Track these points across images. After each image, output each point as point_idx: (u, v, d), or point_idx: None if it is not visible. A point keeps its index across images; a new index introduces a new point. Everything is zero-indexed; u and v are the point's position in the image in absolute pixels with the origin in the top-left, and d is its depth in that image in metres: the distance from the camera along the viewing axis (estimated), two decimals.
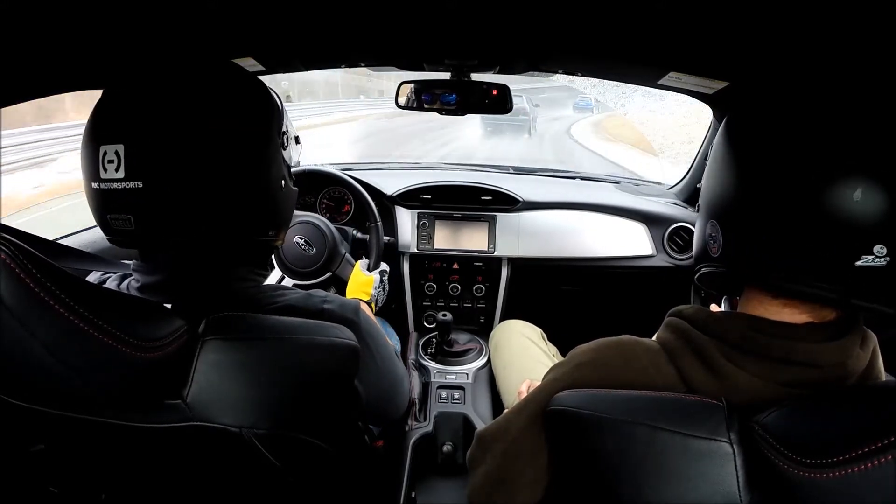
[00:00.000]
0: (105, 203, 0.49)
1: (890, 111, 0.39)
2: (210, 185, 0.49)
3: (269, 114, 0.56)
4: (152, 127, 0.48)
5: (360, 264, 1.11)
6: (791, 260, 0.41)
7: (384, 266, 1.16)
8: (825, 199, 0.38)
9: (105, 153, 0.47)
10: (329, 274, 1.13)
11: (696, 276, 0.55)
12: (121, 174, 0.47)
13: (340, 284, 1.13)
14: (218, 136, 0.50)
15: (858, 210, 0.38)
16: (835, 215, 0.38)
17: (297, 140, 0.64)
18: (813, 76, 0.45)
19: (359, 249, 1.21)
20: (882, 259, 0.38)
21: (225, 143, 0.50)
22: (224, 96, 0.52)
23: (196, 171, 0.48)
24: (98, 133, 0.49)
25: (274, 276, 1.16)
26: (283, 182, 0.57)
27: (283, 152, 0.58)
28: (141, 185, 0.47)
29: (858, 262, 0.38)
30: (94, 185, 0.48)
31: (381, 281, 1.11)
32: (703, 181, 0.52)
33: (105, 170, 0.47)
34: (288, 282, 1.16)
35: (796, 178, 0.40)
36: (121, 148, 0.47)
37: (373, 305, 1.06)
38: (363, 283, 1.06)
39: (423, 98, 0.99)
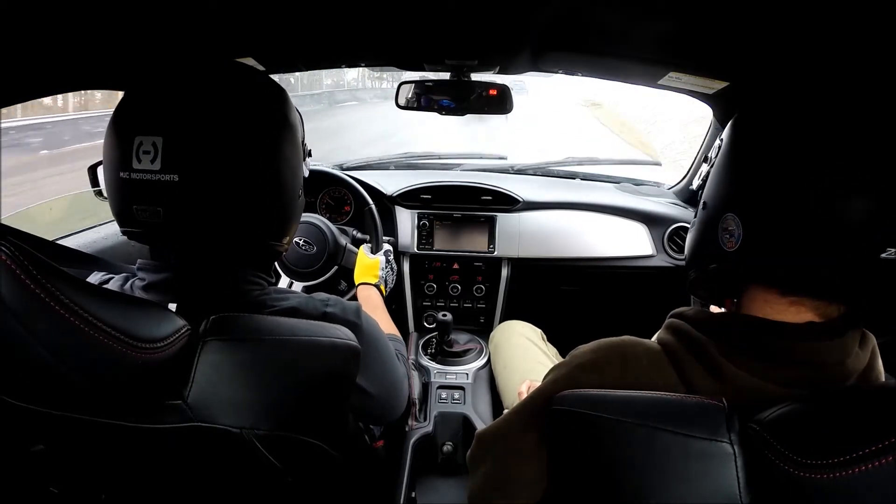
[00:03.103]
0: (134, 193, 0.49)
1: None
2: (244, 187, 0.51)
3: (299, 124, 0.59)
4: (192, 123, 0.48)
5: (364, 248, 1.12)
6: (818, 259, 0.41)
7: (387, 246, 1.16)
8: (852, 198, 0.39)
9: (141, 143, 0.47)
10: (335, 268, 1.14)
11: (690, 280, 0.54)
12: (156, 166, 0.47)
13: (348, 275, 1.14)
14: (258, 140, 0.52)
15: (881, 205, 0.39)
16: (862, 212, 0.39)
17: (309, 153, 0.67)
18: (827, 74, 0.45)
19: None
20: None
21: (262, 148, 0.52)
22: (262, 102, 0.54)
23: (233, 172, 0.50)
24: (134, 123, 0.49)
25: (283, 284, 1.16)
26: (300, 191, 0.60)
27: (304, 163, 0.61)
28: (177, 179, 0.47)
29: (884, 255, 0.39)
30: (124, 174, 0.48)
31: (388, 261, 1.12)
32: (713, 175, 0.51)
33: (139, 160, 0.47)
34: (297, 286, 1.16)
35: (825, 178, 0.40)
36: (159, 140, 0.47)
37: (383, 288, 1.07)
38: (369, 266, 1.07)
39: (423, 98, 0.99)
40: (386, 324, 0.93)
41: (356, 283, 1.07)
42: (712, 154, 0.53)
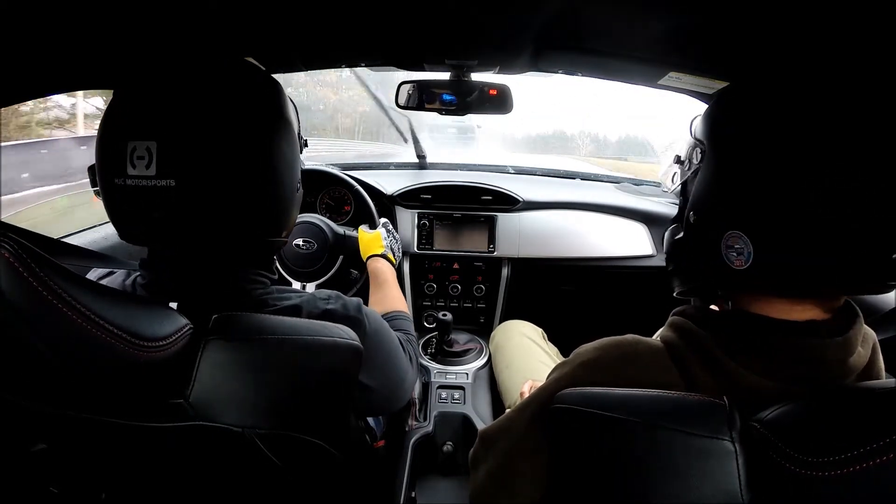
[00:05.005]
0: (130, 199, 0.48)
1: None
2: (242, 187, 0.50)
3: (294, 117, 0.58)
4: (187, 126, 0.48)
5: (362, 228, 1.14)
6: (833, 260, 0.40)
7: (384, 219, 1.19)
8: (865, 198, 0.38)
9: (134, 149, 0.47)
10: (341, 258, 1.16)
11: (678, 291, 0.53)
12: (152, 171, 0.46)
13: (356, 261, 1.15)
14: (252, 138, 0.51)
15: (889, 204, 0.38)
16: (876, 211, 0.38)
17: (305, 143, 0.66)
18: (825, 70, 0.44)
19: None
20: None
21: (257, 146, 0.51)
22: (257, 99, 0.53)
23: (230, 173, 0.49)
24: (126, 128, 0.48)
25: (296, 286, 1.17)
26: (298, 185, 0.60)
27: (300, 156, 0.61)
28: (174, 184, 0.47)
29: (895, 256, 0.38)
30: (119, 181, 0.48)
31: (388, 231, 1.14)
32: (701, 185, 0.48)
33: (134, 166, 0.47)
34: (310, 287, 1.17)
35: (835, 181, 0.39)
36: (153, 145, 0.46)
37: (391, 257, 1.08)
38: (371, 239, 1.09)
39: (423, 98, 1.00)
40: (397, 297, 0.93)
41: (365, 260, 1.08)
42: (694, 159, 0.50)
